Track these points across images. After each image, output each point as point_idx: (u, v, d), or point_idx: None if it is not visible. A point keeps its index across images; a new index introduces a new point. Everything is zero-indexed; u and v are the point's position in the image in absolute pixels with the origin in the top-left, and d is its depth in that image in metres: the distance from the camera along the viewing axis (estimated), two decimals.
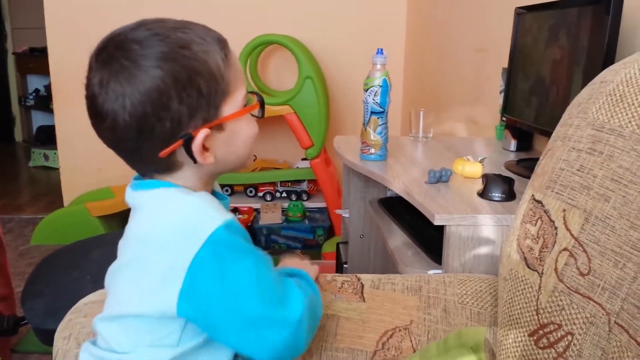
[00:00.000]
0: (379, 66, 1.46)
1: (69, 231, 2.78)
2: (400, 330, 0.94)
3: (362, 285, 1.01)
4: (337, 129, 3.11)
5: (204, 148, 0.74)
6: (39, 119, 5.25)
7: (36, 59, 4.82)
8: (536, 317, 0.84)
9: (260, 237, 2.82)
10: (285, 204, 2.95)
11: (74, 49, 2.91)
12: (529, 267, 0.87)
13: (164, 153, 0.72)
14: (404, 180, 1.31)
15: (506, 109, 1.56)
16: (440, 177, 1.30)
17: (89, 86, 0.72)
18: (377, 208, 1.53)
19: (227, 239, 0.70)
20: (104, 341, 0.77)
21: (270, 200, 3.02)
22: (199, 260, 0.68)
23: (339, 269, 1.82)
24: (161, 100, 0.69)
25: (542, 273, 0.84)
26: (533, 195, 0.92)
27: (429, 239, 1.25)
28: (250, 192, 3.06)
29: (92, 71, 0.72)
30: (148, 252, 0.72)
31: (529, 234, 0.89)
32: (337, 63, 3.10)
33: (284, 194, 3.04)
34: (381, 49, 1.47)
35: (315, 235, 2.84)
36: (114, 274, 0.78)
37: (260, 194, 3.04)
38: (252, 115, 0.81)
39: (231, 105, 0.75)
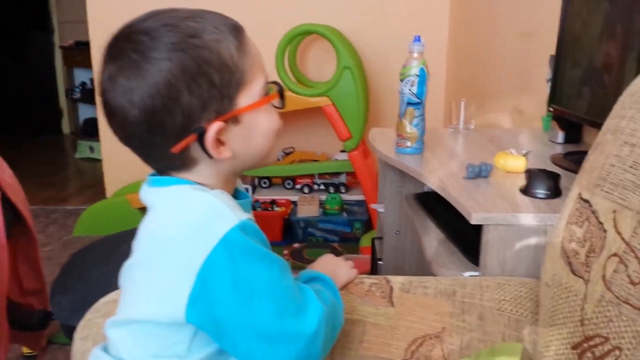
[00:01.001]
0: (416, 54, 1.39)
1: (110, 223, 2.81)
2: (431, 338, 0.87)
3: (391, 289, 0.95)
4: (377, 121, 3.03)
5: (220, 142, 0.70)
6: (85, 112, 5.34)
7: (82, 52, 4.89)
8: (580, 329, 0.76)
9: (298, 229, 2.78)
10: (323, 197, 2.89)
11: None
12: (573, 273, 0.79)
13: (176, 148, 0.68)
14: (441, 175, 1.24)
15: (553, 98, 1.46)
16: (480, 172, 1.22)
17: (100, 81, 0.69)
18: (413, 203, 1.46)
19: (242, 241, 0.65)
20: (113, 348, 0.73)
21: (308, 193, 2.98)
22: (211, 262, 0.64)
23: (374, 265, 1.75)
24: (170, 93, 0.66)
25: (588, 280, 0.76)
26: (580, 193, 0.84)
27: (467, 238, 1.17)
28: (288, 184, 3.02)
29: (103, 65, 0.69)
30: (158, 253, 0.68)
31: (574, 237, 0.81)
32: (377, 52, 3.02)
33: (322, 187, 2.99)
34: (418, 36, 1.39)
35: (353, 228, 2.78)
36: (126, 273, 0.74)
37: (298, 187, 3.00)
38: (275, 107, 0.76)
39: (248, 96, 0.71)
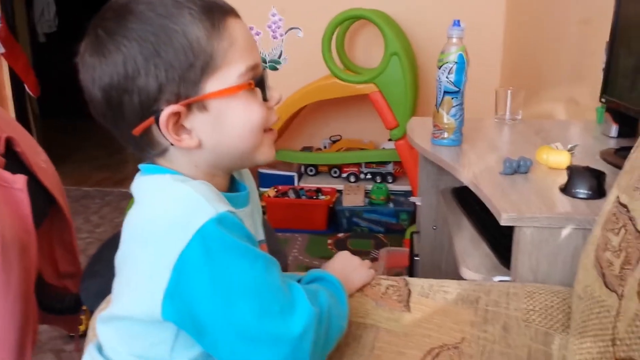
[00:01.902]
0: (454, 40, 1.30)
1: None
2: (448, 348, 0.81)
3: (409, 292, 0.89)
4: (427, 109, 2.92)
5: (183, 128, 0.66)
6: None
7: None
8: (612, 349, 0.68)
9: (342, 219, 2.73)
10: (370, 186, 2.83)
11: None
12: (606, 286, 0.71)
13: (136, 130, 0.66)
14: (475, 169, 1.16)
15: (606, 89, 1.35)
16: (518, 168, 1.13)
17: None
18: (449, 198, 1.39)
19: (219, 234, 0.61)
20: (103, 346, 0.71)
21: (354, 182, 2.92)
22: (187, 256, 0.60)
23: (412, 261, 1.68)
24: (126, 72, 0.64)
25: (622, 295, 0.68)
26: (618, 197, 0.75)
27: (500, 239, 1.09)
28: (335, 172, 2.97)
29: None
30: (135, 246, 0.65)
31: (609, 245, 0.73)
32: (428, 38, 2.90)
33: (369, 176, 2.92)
34: (458, 21, 1.31)
35: (399, 219, 2.70)
36: (116, 267, 0.72)
37: (345, 175, 2.94)
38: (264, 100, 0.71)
39: (219, 82, 0.66)
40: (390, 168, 2.89)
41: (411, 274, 1.67)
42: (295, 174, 2.96)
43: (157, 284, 0.61)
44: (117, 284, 0.70)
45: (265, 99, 0.71)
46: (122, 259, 0.68)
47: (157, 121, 0.65)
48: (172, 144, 0.67)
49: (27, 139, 1.42)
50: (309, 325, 0.63)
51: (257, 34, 3.04)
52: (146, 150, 0.69)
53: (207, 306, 0.61)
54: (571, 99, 1.92)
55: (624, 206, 0.72)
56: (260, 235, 0.80)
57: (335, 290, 0.76)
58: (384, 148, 2.93)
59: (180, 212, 0.62)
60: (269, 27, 3.03)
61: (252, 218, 0.78)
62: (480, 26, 2.87)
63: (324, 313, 0.67)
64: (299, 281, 0.78)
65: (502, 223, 0.93)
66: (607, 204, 0.77)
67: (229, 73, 0.66)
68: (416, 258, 1.61)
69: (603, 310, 0.70)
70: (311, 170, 3.00)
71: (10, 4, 3.38)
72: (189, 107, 0.65)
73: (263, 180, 2.98)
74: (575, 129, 1.55)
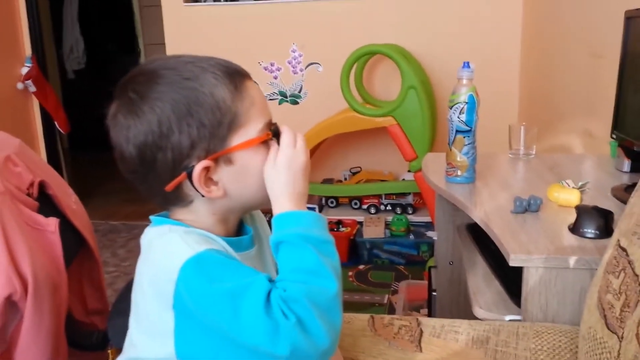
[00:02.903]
0: (465, 81, 1.35)
1: None
2: None
3: (421, 333, 0.92)
4: (446, 140, 2.96)
5: (211, 181, 0.73)
6: None
7: None
8: None
9: (363, 251, 2.76)
10: (390, 217, 2.86)
11: None
12: (608, 328, 0.74)
13: (169, 187, 0.72)
14: (487, 207, 1.19)
15: (617, 125, 1.37)
16: (529, 206, 1.16)
17: (107, 118, 0.74)
18: (465, 234, 1.42)
19: (194, 279, 0.66)
20: None
21: (374, 213, 2.95)
22: (178, 296, 0.67)
23: (430, 295, 1.71)
24: (161, 131, 0.70)
25: (622, 337, 0.70)
26: (619, 240, 0.78)
27: (513, 277, 1.11)
28: (355, 204, 3.01)
29: (111, 103, 0.74)
30: (139, 294, 0.72)
31: (610, 288, 0.76)
32: (446, 71, 2.95)
33: (389, 207, 2.96)
34: (467, 62, 1.35)
35: (419, 251, 2.72)
36: (131, 312, 0.78)
37: (365, 207, 2.98)
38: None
39: (242, 138, 0.73)
40: (410, 199, 2.92)
41: (429, 309, 1.69)
42: (316, 206, 3.00)
43: (165, 326, 0.67)
44: (130, 331, 0.75)
45: None
46: (133, 306, 0.74)
47: (189, 176, 0.71)
48: (202, 196, 0.73)
49: (58, 181, 1.49)
50: (294, 340, 0.64)
51: (278, 69, 3.13)
52: (172, 202, 0.75)
53: (208, 337, 0.68)
54: (586, 132, 1.94)
55: (624, 250, 0.75)
56: (272, 276, 0.84)
57: (302, 251, 0.71)
58: (403, 179, 2.97)
59: (163, 258, 0.69)
60: (289, 62, 3.11)
61: (260, 258, 0.83)
62: (497, 60, 2.92)
63: (305, 312, 0.66)
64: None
65: (511, 264, 0.96)
66: (609, 246, 0.80)
67: (251, 129, 0.73)
68: (434, 293, 1.63)
69: (605, 352, 0.73)
70: (332, 202, 3.05)
71: (41, 44, 3.52)
72: (216, 161, 0.72)
73: None
74: (589, 164, 1.57)
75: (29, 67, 3.35)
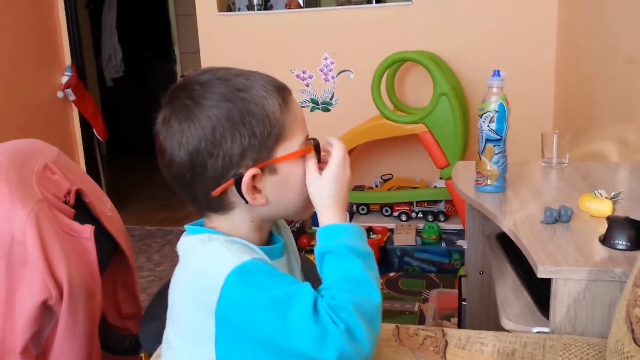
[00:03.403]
0: (495, 89, 1.34)
1: None
2: None
3: (446, 343, 0.92)
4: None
5: (255, 189, 0.75)
6: None
7: None
8: None
9: (394, 258, 2.75)
10: (421, 225, 2.84)
11: None
12: (635, 342, 0.73)
13: (216, 192, 0.74)
14: (517, 217, 1.18)
15: None
16: (559, 217, 1.14)
17: (155, 124, 0.76)
18: (494, 243, 1.40)
19: (241, 287, 0.68)
20: None
21: (405, 220, 2.94)
22: (223, 304, 0.68)
23: (460, 305, 1.69)
24: (214, 138, 0.72)
25: None
26: None
27: (542, 288, 1.10)
28: (386, 211, 3.00)
29: (160, 110, 0.76)
30: (178, 304, 0.73)
31: (639, 302, 0.74)
32: (479, 78, 2.93)
33: (420, 214, 2.94)
34: (497, 71, 1.35)
35: (451, 259, 2.70)
36: (167, 319, 0.80)
37: (396, 214, 2.97)
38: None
39: (286, 150, 0.77)
40: (442, 206, 2.90)
41: (459, 318, 1.67)
42: (347, 213, 3.00)
43: (205, 332, 0.69)
44: (167, 335, 0.77)
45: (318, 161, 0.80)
46: (169, 311, 0.76)
47: (236, 183, 0.74)
48: (246, 202, 0.75)
49: (95, 189, 1.53)
50: (342, 346, 0.67)
51: (310, 76, 3.15)
52: (214, 208, 0.78)
53: (253, 346, 0.69)
54: (621, 140, 1.90)
55: None
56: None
57: (349, 262, 0.74)
58: (435, 186, 2.95)
59: (208, 266, 0.71)
60: (321, 70, 3.13)
61: (288, 267, 0.86)
62: (532, 66, 2.88)
63: (352, 319, 0.69)
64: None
65: (539, 275, 0.95)
66: (638, 259, 0.78)
67: (294, 142, 0.77)
68: (464, 302, 1.62)
69: None
70: (363, 209, 3.04)
71: (80, 53, 3.62)
72: (262, 170, 0.75)
73: (315, 220, 3.04)
74: (624, 173, 1.54)
75: (68, 76, 3.45)
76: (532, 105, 2.88)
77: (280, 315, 0.67)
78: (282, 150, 0.76)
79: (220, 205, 0.77)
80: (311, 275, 0.92)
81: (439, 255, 2.71)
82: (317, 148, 0.80)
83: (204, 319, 0.69)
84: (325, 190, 0.78)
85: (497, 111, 1.33)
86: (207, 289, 0.68)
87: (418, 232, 2.81)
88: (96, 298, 1.34)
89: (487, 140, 1.35)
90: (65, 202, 1.33)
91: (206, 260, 0.72)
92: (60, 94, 3.44)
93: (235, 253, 0.71)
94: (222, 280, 0.68)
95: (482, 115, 1.36)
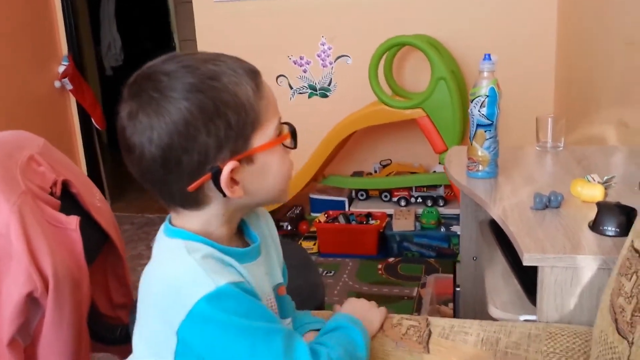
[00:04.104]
0: (486, 74, 1.32)
1: None
2: None
3: (430, 333, 0.90)
4: None
5: (233, 181, 0.72)
6: None
7: None
8: None
9: (393, 244, 2.73)
10: (420, 210, 2.82)
11: None
12: (618, 333, 0.71)
13: (192, 187, 0.70)
14: (507, 204, 1.16)
15: None
16: (549, 202, 1.12)
17: (119, 118, 0.72)
18: (487, 230, 1.38)
19: (211, 314, 0.66)
20: None
21: (404, 206, 2.92)
22: (187, 327, 0.67)
23: (454, 291, 1.68)
24: (188, 132, 0.68)
25: (632, 342, 0.67)
26: (632, 241, 0.74)
27: (531, 275, 1.08)
28: (385, 196, 2.98)
29: (122, 103, 0.72)
30: (145, 304, 0.72)
31: (622, 291, 0.73)
32: (478, 62, 2.88)
33: (419, 199, 2.92)
34: (489, 55, 1.32)
35: (450, 244, 2.68)
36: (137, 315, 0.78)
37: (395, 199, 2.95)
38: (285, 147, 0.76)
39: (262, 137, 0.73)
40: (441, 191, 2.88)
41: (454, 304, 1.66)
42: (346, 199, 2.99)
43: (166, 343, 0.68)
44: (134, 338, 0.76)
45: (294, 147, 0.77)
46: (138, 316, 0.74)
47: (213, 177, 0.70)
48: (224, 196, 0.71)
49: (83, 180, 1.52)
50: None
51: (308, 62, 3.11)
52: (189, 204, 0.73)
53: None
54: (620, 122, 1.87)
55: (637, 251, 0.72)
56: (277, 278, 0.84)
57: (355, 337, 0.78)
58: (434, 171, 2.93)
59: (181, 283, 0.68)
60: (319, 55, 3.09)
61: (265, 264, 0.82)
62: (532, 49, 2.84)
63: None
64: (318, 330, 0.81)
65: (525, 263, 0.93)
66: (624, 248, 0.76)
67: (269, 128, 0.73)
68: (458, 289, 1.60)
69: (615, 357, 0.70)
70: (362, 195, 3.03)
71: (78, 43, 3.60)
72: (240, 161, 0.71)
73: (314, 206, 3.03)
74: (620, 156, 1.51)
75: (65, 65, 3.42)
76: (533, 89, 2.84)
77: (250, 346, 0.66)
78: (258, 138, 0.72)
79: (196, 201, 0.73)
80: (305, 268, 0.91)
81: (438, 240, 2.69)
82: (293, 134, 0.77)
83: (168, 334, 0.67)
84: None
85: (488, 96, 1.30)
86: (175, 309, 0.66)
87: (417, 217, 2.79)
88: (83, 289, 1.33)
89: (478, 125, 1.33)
90: (52, 194, 1.32)
91: (178, 278, 0.69)
92: (57, 84, 3.43)
93: (211, 275, 0.67)
94: (192, 304, 0.65)
95: (473, 100, 1.33)
